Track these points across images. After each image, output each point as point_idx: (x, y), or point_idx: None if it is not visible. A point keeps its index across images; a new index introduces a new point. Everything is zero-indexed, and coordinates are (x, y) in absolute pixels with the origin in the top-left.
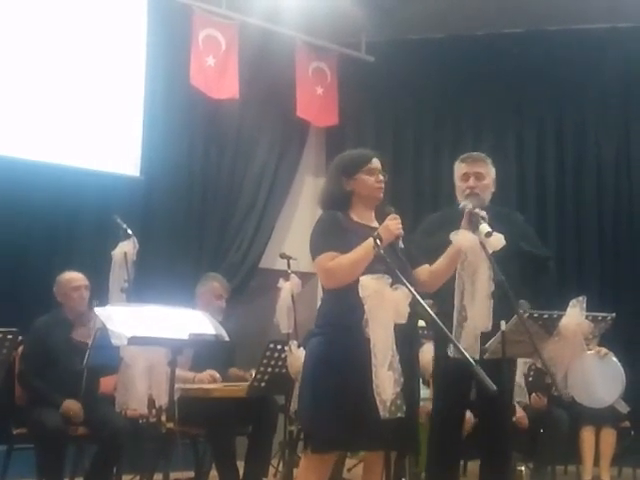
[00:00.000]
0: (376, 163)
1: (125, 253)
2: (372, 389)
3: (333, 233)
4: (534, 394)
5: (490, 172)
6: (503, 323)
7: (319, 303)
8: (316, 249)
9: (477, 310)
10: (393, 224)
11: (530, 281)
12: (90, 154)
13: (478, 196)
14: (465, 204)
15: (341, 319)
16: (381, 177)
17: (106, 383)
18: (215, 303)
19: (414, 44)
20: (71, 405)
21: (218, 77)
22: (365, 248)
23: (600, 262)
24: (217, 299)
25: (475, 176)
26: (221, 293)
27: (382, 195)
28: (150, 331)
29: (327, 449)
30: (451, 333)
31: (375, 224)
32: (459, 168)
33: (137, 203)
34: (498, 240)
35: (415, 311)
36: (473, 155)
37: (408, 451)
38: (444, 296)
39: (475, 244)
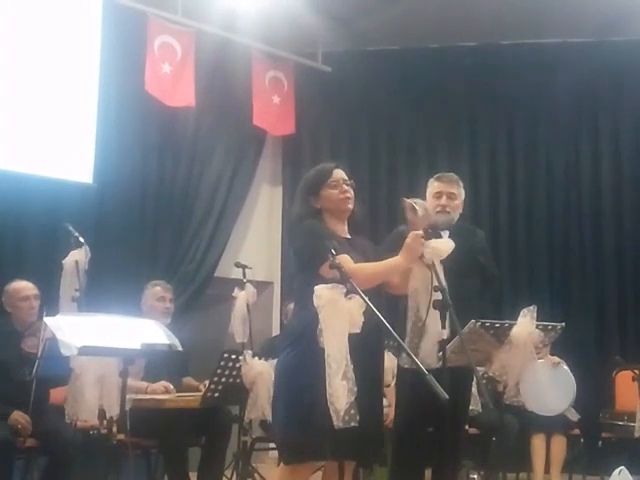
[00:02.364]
0: (338, 174)
1: (77, 261)
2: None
3: (326, 238)
4: None
5: (461, 193)
6: (444, 332)
7: (275, 312)
8: (321, 255)
9: (432, 320)
10: (417, 242)
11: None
12: (42, 160)
13: (449, 214)
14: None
15: (311, 331)
16: (345, 187)
17: (56, 394)
18: (159, 306)
19: (370, 55)
20: (19, 417)
21: (174, 84)
22: (390, 266)
23: (550, 273)
24: (159, 301)
25: (448, 195)
26: (163, 295)
27: (351, 205)
28: (101, 341)
29: (300, 460)
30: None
31: (347, 236)
32: (433, 186)
33: (89, 211)
34: (446, 244)
35: (375, 321)
36: (448, 175)
37: (375, 461)
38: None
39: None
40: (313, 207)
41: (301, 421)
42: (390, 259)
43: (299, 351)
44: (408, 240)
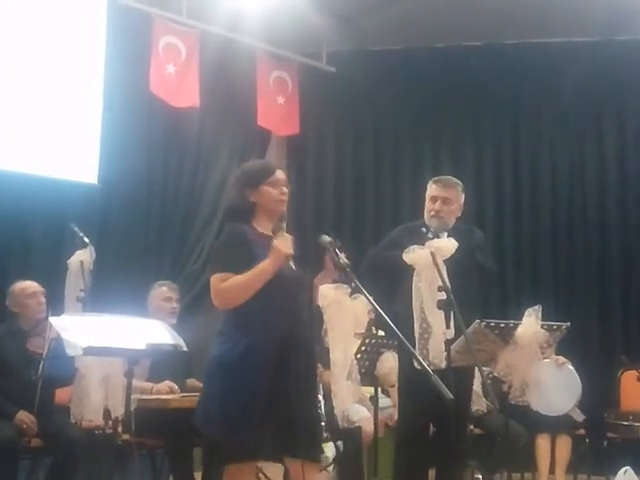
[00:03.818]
0: (280, 174)
1: (81, 262)
2: (280, 395)
3: (232, 251)
4: None
5: (458, 198)
6: (448, 332)
7: None
8: (213, 266)
9: (438, 320)
10: (284, 244)
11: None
12: (46, 161)
13: (442, 219)
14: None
15: (247, 325)
16: (284, 189)
17: (61, 394)
18: (165, 306)
19: (374, 55)
20: (24, 417)
21: (178, 85)
22: (257, 271)
23: (555, 273)
24: (166, 302)
25: (443, 200)
26: (169, 295)
27: (284, 208)
28: (106, 341)
29: (239, 459)
30: (413, 345)
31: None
32: (430, 189)
33: (94, 211)
34: (449, 244)
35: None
36: (444, 180)
37: (311, 457)
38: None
39: (429, 260)
40: (247, 200)
41: (235, 419)
42: (257, 266)
43: (229, 346)
44: (276, 242)
